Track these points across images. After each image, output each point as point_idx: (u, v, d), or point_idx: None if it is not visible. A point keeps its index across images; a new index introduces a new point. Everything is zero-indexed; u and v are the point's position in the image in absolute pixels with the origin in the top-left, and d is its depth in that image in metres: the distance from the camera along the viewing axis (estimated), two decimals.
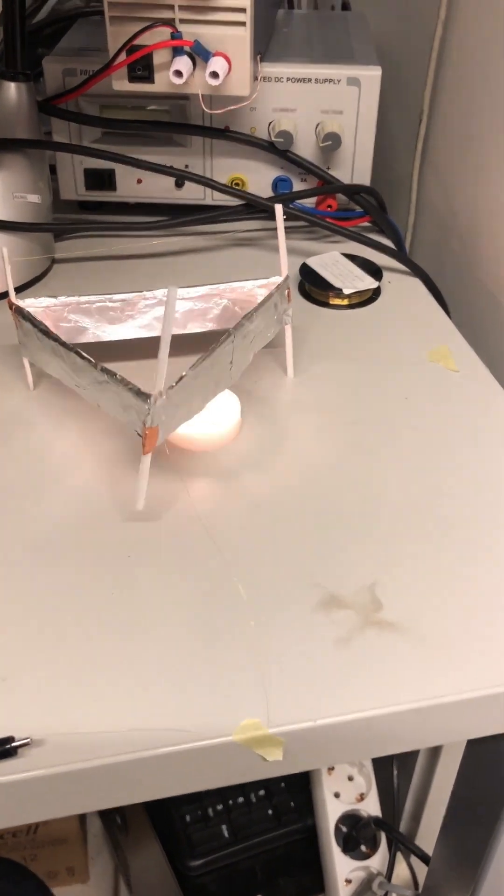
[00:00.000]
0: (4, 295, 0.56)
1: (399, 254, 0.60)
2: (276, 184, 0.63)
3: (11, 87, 0.56)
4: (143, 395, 0.37)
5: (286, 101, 0.60)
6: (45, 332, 0.43)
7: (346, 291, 0.56)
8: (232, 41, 0.52)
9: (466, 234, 0.61)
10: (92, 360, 0.40)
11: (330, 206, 0.62)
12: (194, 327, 0.49)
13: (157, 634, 0.36)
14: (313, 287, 0.57)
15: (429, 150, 0.66)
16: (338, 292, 0.56)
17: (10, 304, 0.45)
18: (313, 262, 0.58)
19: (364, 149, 0.61)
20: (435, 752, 0.74)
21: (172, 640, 0.36)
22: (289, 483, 0.43)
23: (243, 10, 0.51)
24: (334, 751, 0.34)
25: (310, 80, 0.59)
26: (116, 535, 0.40)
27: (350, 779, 0.79)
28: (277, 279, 0.47)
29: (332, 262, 0.59)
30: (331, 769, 0.79)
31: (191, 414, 0.40)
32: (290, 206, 0.60)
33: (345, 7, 0.75)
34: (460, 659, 0.35)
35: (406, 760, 0.81)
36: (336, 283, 0.56)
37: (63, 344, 0.41)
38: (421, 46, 0.64)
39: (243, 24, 0.52)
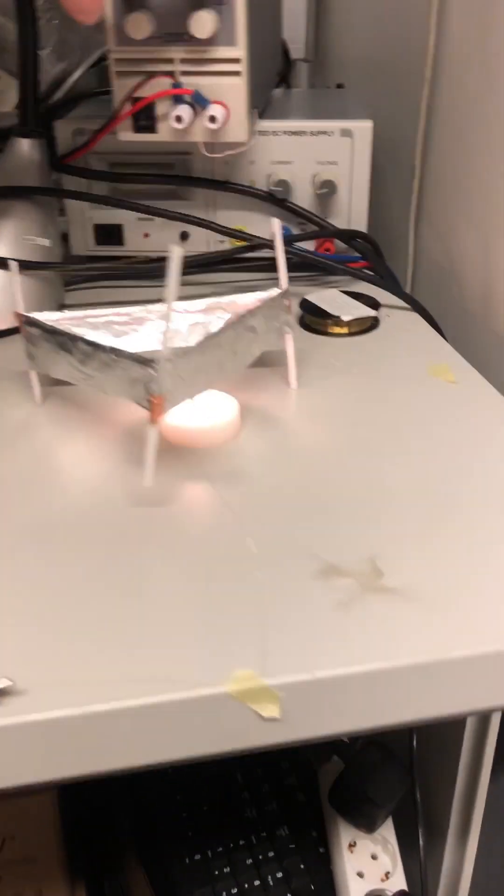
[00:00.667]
0: (11, 331, 0.58)
1: (396, 288, 0.62)
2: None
3: (24, 144, 0.60)
4: (149, 363, 0.38)
5: (283, 153, 0.63)
6: (52, 331, 0.44)
7: (345, 318, 0.57)
8: (229, 89, 0.56)
9: (465, 283, 0.63)
10: (99, 342, 0.41)
11: (328, 251, 0.65)
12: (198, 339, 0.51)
13: (155, 593, 0.35)
14: (313, 317, 0.58)
15: (424, 204, 0.69)
16: (337, 320, 0.57)
17: (19, 316, 0.47)
18: (313, 297, 0.60)
19: (359, 197, 0.64)
20: (465, 828, 0.70)
21: (170, 599, 0.35)
22: (290, 473, 0.43)
23: (238, 61, 0.55)
24: (336, 714, 0.32)
25: (305, 132, 0.63)
26: (122, 515, 0.40)
27: (374, 857, 0.74)
28: (277, 290, 0.49)
29: (331, 298, 0.60)
30: (352, 846, 0.74)
31: (196, 391, 0.41)
32: (290, 247, 0.62)
33: (339, 87, 0.81)
34: (465, 620, 0.34)
35: (434, 835, 0.76)
36: (335, 312, 0.58)
37: (70, 336, 0.42)
38: (412, 108, 0.68)
39: (238, 73, 0.56)
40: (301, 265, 0.63)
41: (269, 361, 0.55)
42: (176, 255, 0.36)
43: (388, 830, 0.74)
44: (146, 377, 0.38)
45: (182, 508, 0.41)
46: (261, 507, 0.41)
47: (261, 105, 0.64)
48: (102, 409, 0.49)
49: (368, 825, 0.73)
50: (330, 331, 0.58)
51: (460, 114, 0.62)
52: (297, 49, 0.89)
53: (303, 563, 0.37)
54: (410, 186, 0.68)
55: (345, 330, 0.58)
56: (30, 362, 0.48)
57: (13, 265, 0.47)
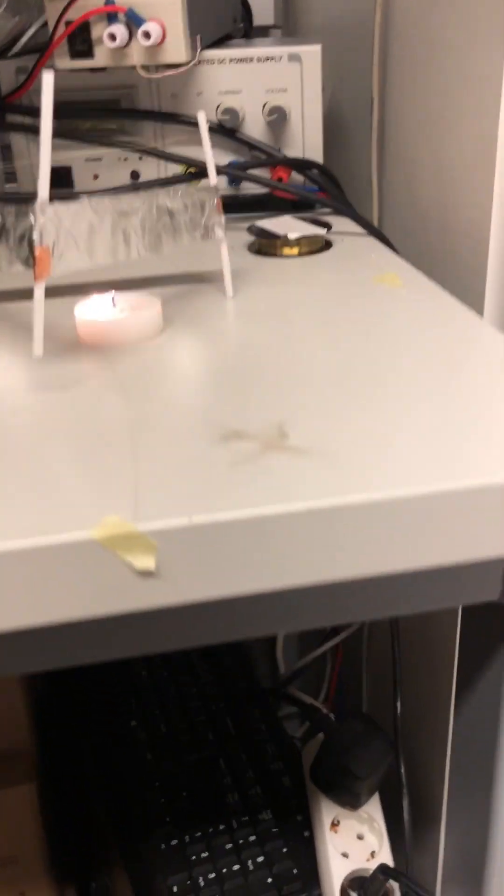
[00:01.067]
0: None
1: (352, 213, 0.59)
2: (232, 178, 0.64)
3: None
4: (28, 209, 0.35)
5: (230, 83, 0.61)
6: None
7: (292, 236, 0.54)
8: (164, 7, 0.54)
9: (426, 214, 0.60)
10: None
11: (281, 179, 0.62)
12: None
13: (35, 447, 0.32)
14: (262, 240, 0.56)
15: (385, 140, 0.67)
16: (285, 240, 0.55)
17: None
18: (263, 222, 0.57)
19: (313, 125, 0.62)
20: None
21: (51, 459, 0.32)
22: (209, 363, 0.40)
23: None
24: (223, 571, 0.29)
25: (251, 59, 0.61)
26: (22, 398, 0.37)
27: (360, 837, 0.69)
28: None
29: (283, 222, 0.58)
30: (335, 825, 0.69)
31: (91, 258, 0.38)
32: (242, 172, 0.60)
33: None
34: (363, 474, 0.30)
35: (424, 812, 0.71)
36: (284, 232, 0.55)
37: None
38: (366, 38, 0.66)
39: None
40: (255, 203, 0.61)
41: (208, 277, 0.52)
42: (48, 82, 0.33)
43: (374, 808, 0.69)
44: (27, 227, 0.35)
45: (85, 391, 0.37)
46: (171, 389, 0.37)
47: (207, 38, 0.62)
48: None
49: (352, 801, 0.68)
50: (279, 252, 0.55)
51: (413, 43, 0.59)
52: (266, 15, 0.87)
53: (205, 432, 0.33)
54: (370, 122, 0.66)
55: (294, 251, 0.55)
56: None
57: None
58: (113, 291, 0.43)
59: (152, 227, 0.41)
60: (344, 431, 0.33)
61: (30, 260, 0.36)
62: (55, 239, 0.36)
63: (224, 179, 0.63)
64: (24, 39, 0.73)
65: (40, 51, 0.69)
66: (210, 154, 0.45)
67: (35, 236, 0.35)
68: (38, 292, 0.36)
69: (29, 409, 0.36)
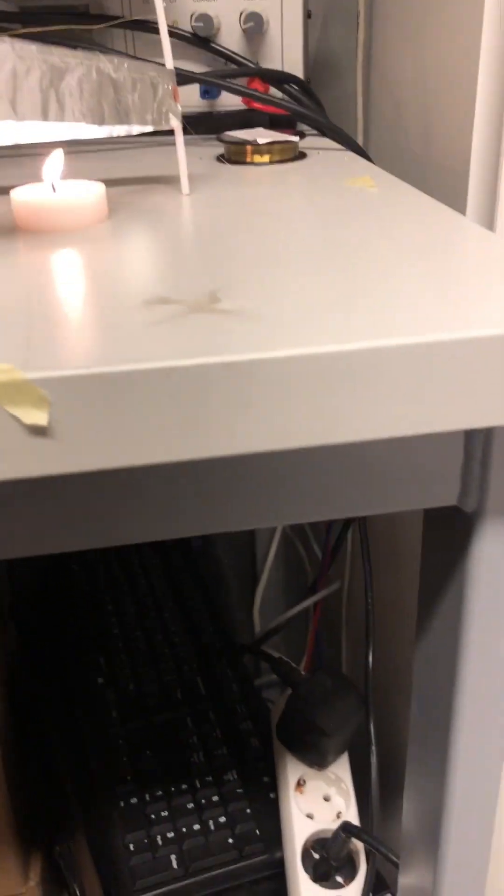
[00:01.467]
0: None
1: (330, 125, 0.55)
2: (206, 89, 0.60)
3: None
4: None
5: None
6: None
7: (261, 141, 0.50)
8: None
9: (418, 138, 0.57)
10: None
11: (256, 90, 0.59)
12: None
13: None
14: (232, 146, 0.52)
15: (372, 60, 0.63)
16: (256, 146, 0.51)
17: None
18: (234, 133, 0.54)
19: (293, 38, 0.58)
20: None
21: None
22: (151, 244, 0.36)
23: None
24: (128, 431, 0.25)
25: None
26: None
27: (326, 799, 0.65)
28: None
29: (254, 132, 0.54)
30: (301, 785, 0.65)
31: (14, 110, 0.34)
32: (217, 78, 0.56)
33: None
34: (298, 330, 0.26)
35: (393, 773, 0.67)
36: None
37: None
38: None
39: None
40: (230, 122, 0.57)
41: (165, 180, 0.48)
42: None
43: (341, 768, 0.65)
44: None
45: (7, 258, 0.34)
46: (100, 266, 0.34)
47: None
48: None
49: (319, 760, 0.64)
50: (249, 160, 0.51)
51: None
52: None
53: (127, 299, 0.30)
54: (356, 38, 0.62)
55: (265, 158, 0.51)
56: None
57: None
58: (52, 173, 0.40)
59: (92, 92, 0.37)
60: (283, 299, 0.29)
61: None
62: None
63: (196, 91, 0.59)
64: None
65: None
66: (165, 30, 0.41)
67: None
68: None
69: None
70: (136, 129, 0.41)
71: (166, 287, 0.31)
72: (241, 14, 0.58)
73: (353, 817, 0.62)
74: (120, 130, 0.41)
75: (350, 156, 0.53)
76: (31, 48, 0.34)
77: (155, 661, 0.82)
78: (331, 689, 0.64)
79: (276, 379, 0.25)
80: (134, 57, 0.54)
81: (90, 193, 0.39)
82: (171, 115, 0.43)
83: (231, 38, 0.59)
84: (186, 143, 0.58)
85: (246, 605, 1.01)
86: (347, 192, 0.44)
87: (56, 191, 0.39)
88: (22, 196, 0.38)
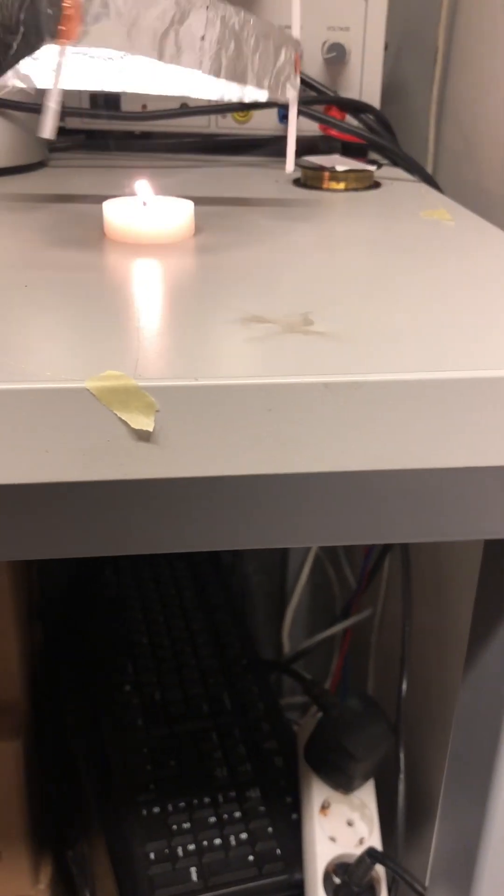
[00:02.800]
0: None
1: (404, 155, 0.56)
2: (284, 114, 0.61)
3: None
4: None
5: (290, 17, 0.59)
6: None
7: (340, 168, 0.52)
8: None
9: (493, 174, 0.58)
10: None
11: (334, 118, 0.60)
12: None
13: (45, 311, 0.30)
14: (309, 172, 0.53)
15: (446, 94, 0.64)
16: (333, 173, 0.52)
17: None
18: (312, 158, 0.55)
19: (372, 69, 0.59)
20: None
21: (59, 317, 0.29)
22: (239, 261, 0.37)
23: None
24: (229, 441, 0.26)
25: None
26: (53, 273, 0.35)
27: (350, 823, 0.65)
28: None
29: (332, 159, 0.55)
30: (326, 808, 0.65)
31: (130, 43, 0.32)
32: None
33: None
34: (391, 356, 0.27)
35: (420, 803, 0.67)
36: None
37: None
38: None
39: None
40: (305, 146, 0.58)
41: (252, 203, 0.49)
42: None
43: (367, 794, 0.65)
44: None
45: (103, 274, 0.35)
46: (194, 280, 0.35)
47: None
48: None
49: (345, 784, 0.64)
50: (326, 186, 0.52)
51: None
52: None
53: (225, 315, 0.31)
54: (432, 73, 0.63)
55: (341, 185, 0.52)
56: None
57: None
58: (145, 191, 0.41)
59: (210, 44, 0.35)
60: (374, 324, 0.30)
61: (57, 28, 0.30)
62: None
63: (275, 115, 0.61)
64: None
65: None
66: (298, 10, 0.41)
67: None
68: (61, 58, 0.30)
69: (45, 279, 0.34)
70: (250, 94, 0.40)
71: (259, 306, 0.31)
72: (323, 44, 0.59)
73: (376, 843, 0.62)
74: (231, 94, 0.39)
75: (424, 188, 0.54)
76: None
77: (181, 672, 0.83)
78: (361, 714, 0.64)
79: (370, 401, 0.26)
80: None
81: (180, 210, 0.40)
82: (288, 86, 0.41)
83: (313, 67, 0.60)
84: (262, 165, 0.60)
85: (273, 624, 1.01)
86: (424, 223, 0.45)
87: (147, 206, 0.40)
88: (113, 210, 0.40)
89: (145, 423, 0.25)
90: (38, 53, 0.32)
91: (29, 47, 0.32)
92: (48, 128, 0.32)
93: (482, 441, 0.27)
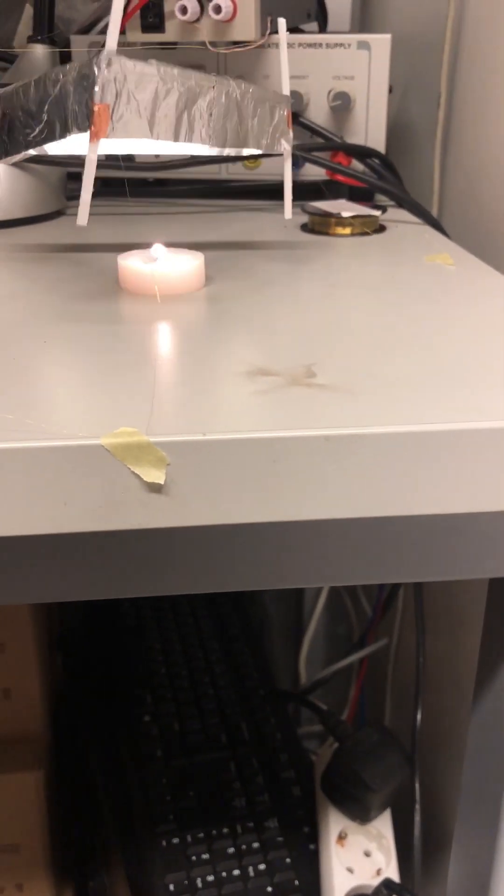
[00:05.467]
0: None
1: (409, 200, 0.58)
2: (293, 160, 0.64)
3: (38, 50, 0.60)
4: (93, 61, 0.34)
5: (298, 67, 0.61)
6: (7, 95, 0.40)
7: (346, 214, 0.53)
8: None
9: (496, 217, 0.59)
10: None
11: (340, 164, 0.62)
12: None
13: (54, 366, 0.31)
14: (315, 217, 0.55)
15: (450, 138, 0.66)
16: (339, 218, 0.54)
17: None
18: (318, 203, 0.57)
19: (377, 115, 0.61)
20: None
21: (78, 365, 0.31)
22: (247, 312, 0.39)
23: None
24: (232, 494, 0.27)
25: (321, 45, 0.61)
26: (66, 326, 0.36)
27: (367, 854, 0.66)
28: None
29: (337, 204, 0.57)
30: (343, 838, 0.66)
31: (151, 130, 0.36)
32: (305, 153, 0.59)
33: None
34: (384, 409, 0.29)
35: (436, 833, 0.67)
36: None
37: (19, 87, 0.39)
38: (437, 35, 0.66)
39: None
40: (311, 191, 0.60)
41: (257, 246, 0.51)
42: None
43: (384, 824, 0.66)
44: (89, 81, 0.34)
45: (118, 326, 0.37)
46: (202, 332, 0.37)
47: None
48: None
49: (362, 814, 0.65)
50: (332, 231, 0.54)
51: (485, 45, 0.58)
52: (342, 22, 0.88)
53: (231, 367, 0.32)
54: (436, 116, 0.65)
55: (347, 230, 0.54)
56: None
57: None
58: (157, 245, 0.43)
59: (219, 116, 0.39)
60: (374, 376, 0.31)
61: (86, 123, 0.34)
62: (116, 99, 0.34)
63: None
64: (101, 24, 0.74)
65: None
66: (286, 62, 0.44)
67: (96, 89, 0.34)
68: (92, 154, 0.34)
69: (62, 333, 0.36)
70: (247, 151, 0.44)
71: (264, 358, 0.33)
72: (329, 92, 0.61)
73: (393, 874, 0.62)
74: (230, 151, 0.43)
75: (429, 230, 0.56)
76: (174, 71, 0.36)
77: (199, 703, 0.84)
78: (377, 745, 0.65)
79: (369, 453, 0.27)
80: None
81: (190, 263, 0.42)
82: (282, 141, 0.45)
83: (319, 114, 0.62)
84: (271, 210, 0.62)
85: (289, 654, 1.02)
86: (427, 268, 0.47)
87: (159, 259, 0.42)
88: (128, 262, 0.42)
89: (157, 476, 0.27)
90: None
91: (53, 135, 0.35)
92: (84, 218, 0.35)
93: (482, 489, 0.29)
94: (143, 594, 0.31)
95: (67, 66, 0.35)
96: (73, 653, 0.96)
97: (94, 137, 0.34)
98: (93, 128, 0.34)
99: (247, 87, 0.40)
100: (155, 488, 0.27)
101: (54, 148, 0.40)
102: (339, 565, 0.32)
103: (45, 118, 0.36)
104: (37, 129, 0.37)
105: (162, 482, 0.27)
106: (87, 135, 0.35)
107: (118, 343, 0.35)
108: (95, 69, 0.34)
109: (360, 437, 0.27)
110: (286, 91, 0.44)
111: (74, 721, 0.88)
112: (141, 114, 0.35)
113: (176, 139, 0.37)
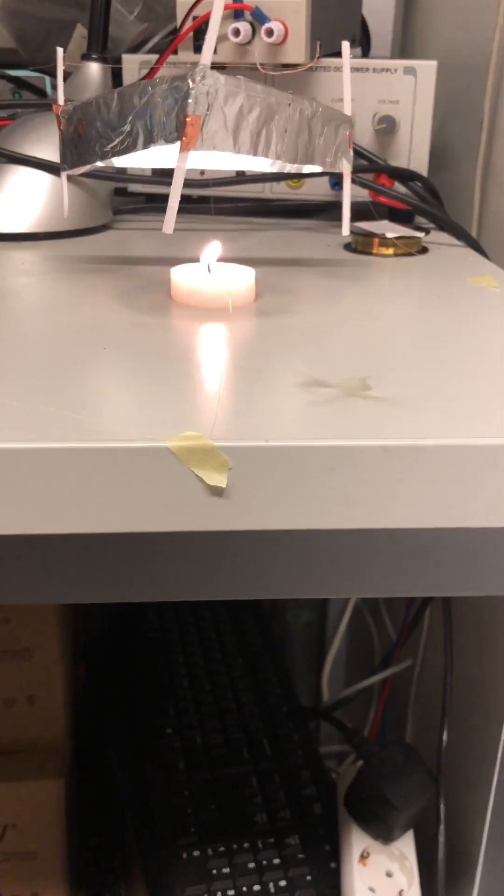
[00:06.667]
0: (59, 234, 0.58)
1: (451, 223, 0.59)
2: (335, 181, 0.65)
3: (92, 67, 0.61)
4: (186, 76, 0.35)
5: (341, 92, 0.62)
6: (84, 105, 0.41)
7: (389, 235, 0.54)
8: (290, 8, 0.56)
9: None
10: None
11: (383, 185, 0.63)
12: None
13: (120, 379, 0.32)
14: (358, 237, 0.56)
15: (492, 161, 0.67)
16: (382, 239, 0.55)
17: (57, 107, 0.44)
18: (362, 224, 0.58)
19: (420, 139, 0.62)
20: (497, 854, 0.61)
21: (136, 372, 0.32)
22: (297, 327, 0.40)
23: None
24: (291, 501, 0.28)
25: (367, 69, 0.62)
26: (135, 334, 0.37)
27: (389, 875, 0.65)
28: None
29: (381, 225, 0.58)
30: (365, 857, 0.66)
31: (235, 144, 0.37)
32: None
33: None
34: (442, 422, 0.29)
35: (460, 856, 0.67)
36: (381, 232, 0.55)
37: (100, 99, 0.40)
38: (482, 60, 0.67)
39: None
40: (355, 212, 0.61)
41: (306, 262, 0.52)
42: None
43: (406, 845, 0.66)
44: (181, 92, 0.35)
45: (175, 333, 0.38)
46: (256, 344, 0.37)
47: (325, 48, 0.63)
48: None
49: (385, 834, 0.65)
50: (376, 251, 0.55)
51: None
52: (383, 47, 0.89)
53: (287, 378, 0.33)
54: (478, 140, 0.66)
55: (390, 251, 0.55)
56: (65, 163, 0.45)
57: (62, 176, 0.46)
58: (209, 258, 0.44)
59: (292, 134, 0.41)
60: (430, 391, 0.32)
61: (174, 134, 0.35)
62: (207, 111, 0.36)
63: (326, 182, 0.64)
64: (150, 44, 0.76)
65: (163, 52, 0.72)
66: (349, 82, 0.45)
67: (190, 101, 0.35)
68: (181, 162, 0.35)
69: (127, 343, 0.36)
70: (308, 168, 0.45)
71: (319, 370, 0.34)
72: (374, 115, 0.63)
73: (415, 894, 0.62)
74: (293, 168, 0.44)
75: (470, 253, 0.57)
76: (257, 87, 0.38)
77: (222, 716, 0.84)
78: (403, 764, 0.65)
79: (426, 464, 0.28)
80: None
81: (243, 277, 0.43)
82: (344, 160, 0.46)
83: (364, 137, 0.63)
84: (314, 229, 0.63)
85: (311, 672, 1.02)
86: (471, 290, 0.47)
87: (210, 270, 0.43)
88: (181, 275, 0.43)
89: (219, 479, 0.27)
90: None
91: (134, 146, 0.36)
92: (170, 225, 0.36)
93: None
94: (198, 597, 0.31)
95: (157, 79, 0.37)
96: (97, 663, 0.96)
97: (185, 148, 0.36)
98: (184, 139, 0.35)
99: (317, 106, 0.42)
100: (216, 491, 0.28)
101: (124, 161, 0.41)
102: (388, 576, 0.33)
103: (128, 129, 0.37)
104: (116, 140, 0.38)
105: (224, 486, 0.27)
106: (162, 147, 0.37)
107: (176, 352, 0.36)
108: (190, 82, 0.35)
109: (419, 448, 0.27)
110: (348, 111, 0.45)
111: (96, 731, 0.88)
112: (227, 127, 0.37)
113: (255, 153, 0.39)
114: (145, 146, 0.38)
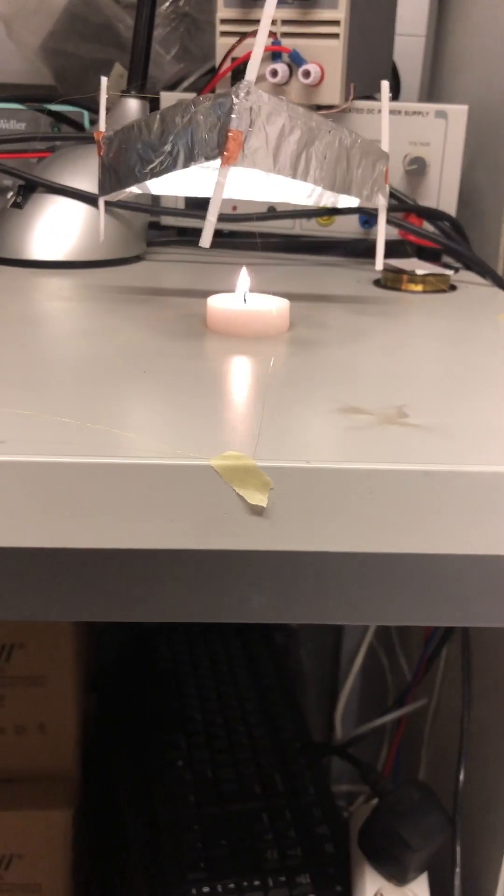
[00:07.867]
0: (94, 264, 0.59)
1: (479, 262, 0.60)
2: (365, 219, 0.66)
3: (131, 102, 0.63)
4: (231, 92, 0.36)
5: (375, 132, 0.63)
6: (125, 129, 0.42)
7: (419, 272, 0.55)
8: (326, 51, 0.58)
9: None
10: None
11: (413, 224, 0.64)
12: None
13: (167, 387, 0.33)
14: (388, 274, 0.57)
15: None
16: (412, 275, 0.56)
17: (98, 134, 0.45)
18: (391, 261, 0.59)
19: (450, 181, 0.64)
20: None
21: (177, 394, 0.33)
22: (331, 356, 0.41)
23: (338, 23, 0.57)
24: (330, 523, 0.29)
25: (399, 112, 0.63)
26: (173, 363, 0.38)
27: None
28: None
29: (410, 262, 0.59)
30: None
31: (278, 164, 0.38)
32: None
33: None
34: (480, 450, 0.30)
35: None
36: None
37: (141, 122, 0.41)
38: None
39: (337, 35, 0.57)
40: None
41: (338, 299, 0.53)
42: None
43: (421, 887, 0.65)
44: (225, 108, 0.35)
45: (213, 359, 0.39)
46: (291, 371, 0.38)
47: (359, 90, 0.65)
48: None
49: (399, 874, 0.64)
50: (405, 287, 0.56)
51: None
52: (411, 93, 0.91)
53: (324, 405, 0.34)
54: (502, 185, 0.67)
55: (419, 287, 0.56)
56: (103, 187, 0.46)
57: (100, 202, 0.48)
58: (245, 287, 0.45)
59: (332, 161, 0.41)
60: (466, 420, 0.32)
61: (216, 150, 0.36)
62: (250, 128, 0.36)
63: (356, 220, 0.65)
64: (185, 83, 0.78)
65: (200, 91, 0.74)
66: (387, 121, 0.46)
67: (233, 116, 0.35)
68: (222, 177, 0.36)
69: (167, 369, 0.37)
70: (344, 201, 0.46)
71: (355, 398, 0.34)
72: (405, 157, 0.64)
73: None
74: (328, 201, 0.45)
75: (498, 291, 0.57)
76: (299, 109, 0.39)
77: (233, 751, 0.83)
78: (418, 803, 0.64)
79: (467, 490, 0.28)
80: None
81: (276, 307, 0.44)
82: (380, 195, 0.47)
83: (395, 177, 0.65)
84: (343, 265, 0.64)
85: (323, 709, 1.01)
86: (501, 326, 0.48)
87: (246, 300, 0.44)
88: (217, 304, 0.43)
89: (260, 499, 0.28)
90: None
91: (175, 165, 0.37)
92: (207, 239, 0.37)
93: None
94: (233, 619, 0.32)
95: (200, 97, 0.37)
96: (108, 693, 0.96)
97: (226, 162, 0.36)
98: (226, 153, 0.36)
99: (356, 138, 0.43)
100: (257, 511, 0.28)
101: (161, 184, 0.42)
102: (419, 603, 0.33)
103: (169, 148, 0.38)
104: (157, 161, 0.39)
105: (265, 505, 0.28)
106: (200, 172, 0.37)
107: (214, 377, 0.36)
108: (234, 97, 0.36)
109: (460, 474, 0.28)
110: (385, 146, 0.46)
111: (106, 762, 0.87)
112: (268, 146, 0.37)
113: (294, 175, 0.39)
114: (185, 165, 0.38)
